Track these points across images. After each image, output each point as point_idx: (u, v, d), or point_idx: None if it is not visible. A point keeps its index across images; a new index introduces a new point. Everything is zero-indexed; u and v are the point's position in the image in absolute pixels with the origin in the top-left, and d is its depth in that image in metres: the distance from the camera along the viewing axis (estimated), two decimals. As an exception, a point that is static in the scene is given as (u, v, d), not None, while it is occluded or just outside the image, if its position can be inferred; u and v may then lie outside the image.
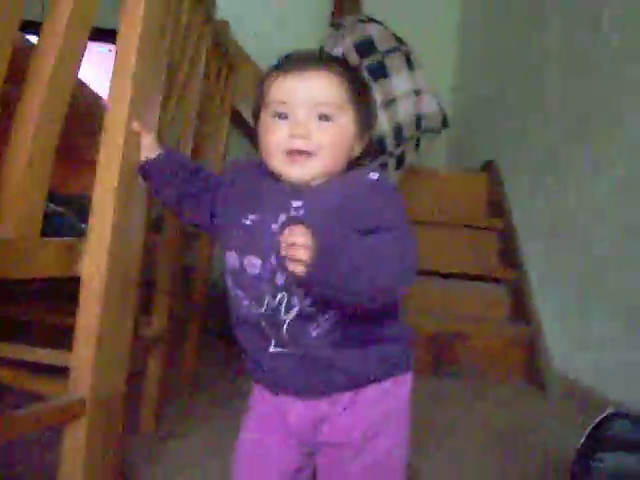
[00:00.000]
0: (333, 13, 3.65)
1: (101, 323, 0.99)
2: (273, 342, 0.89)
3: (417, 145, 2.84)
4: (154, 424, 1.67)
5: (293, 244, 0.72)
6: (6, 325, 1.66)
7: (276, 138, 0.87)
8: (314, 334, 0.86)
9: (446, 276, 3.00)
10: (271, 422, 0.94)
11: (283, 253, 0.73)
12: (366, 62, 2.60)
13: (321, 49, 1.03)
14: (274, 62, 0.93)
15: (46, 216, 0.93)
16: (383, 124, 2.57)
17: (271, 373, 0.91)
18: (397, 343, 0.93)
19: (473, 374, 2.68)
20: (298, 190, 0.88)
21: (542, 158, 2.88)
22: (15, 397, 1.78)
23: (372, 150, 0.96)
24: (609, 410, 1.36)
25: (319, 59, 0.91)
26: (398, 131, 2.62)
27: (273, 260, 0.85)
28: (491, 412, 2.19)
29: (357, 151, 0.93)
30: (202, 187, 0.99)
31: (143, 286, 1.31)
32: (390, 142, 2.61)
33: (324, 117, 0.87)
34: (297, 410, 0.92)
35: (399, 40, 2.72)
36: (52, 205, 1.01)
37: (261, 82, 0.93)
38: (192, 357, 2.14)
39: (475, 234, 3.22)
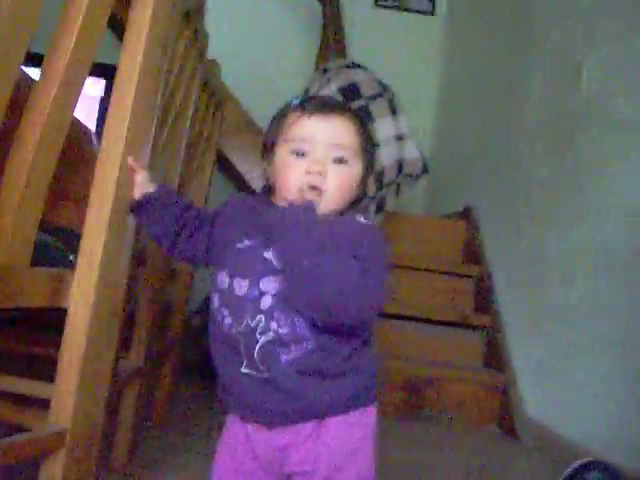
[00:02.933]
0: (318, 57, 3.72)
1: (85, 355, 0.99)
2: (245, 362, 0.92)
3: (397, 190, 2.88)
4: (128, 457, 1.66)
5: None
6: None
7: (294, 175, 0.92)
8: (283, 360, 0.90)
9: (422, 321, 3.02)
10: (241, 450, 0.96)
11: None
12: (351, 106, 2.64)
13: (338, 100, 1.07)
14: (294, 101, 0.98)
15: (36, 245, 0.94)
16: (365, 168, 2.61)
17: (239, 396, 0.94)
18: (364, 375, 0.94)
19: (447, 419, 2.69)
20: None
21: (519, 205, 2.93)
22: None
23: (364, 194, 0.99)
24: (581, 460, 1.38)
25: (342, 105, 0.97)
26: (380, 176, 2.66)
27: (261, 284, 0.91)
28: (463, 458, 2.20)
29: (355, 194, 0.97)
30: (195, 224, 1.02)
31: (124, 318, 1.32)
32: (371, 186, 2.64)
33: (340, 160, 0.93)
34: (263, 438, 0.94)
35: (383, 86, 2.78)
36: (42, 234, 1.02)
37: (280, 116, 0.98)
38: (167, 391, 2.12)
39: (452, 280, 3.25)
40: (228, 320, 0.93)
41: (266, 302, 0.90)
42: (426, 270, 3.23)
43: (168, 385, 2.13)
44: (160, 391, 2.12)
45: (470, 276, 3.26)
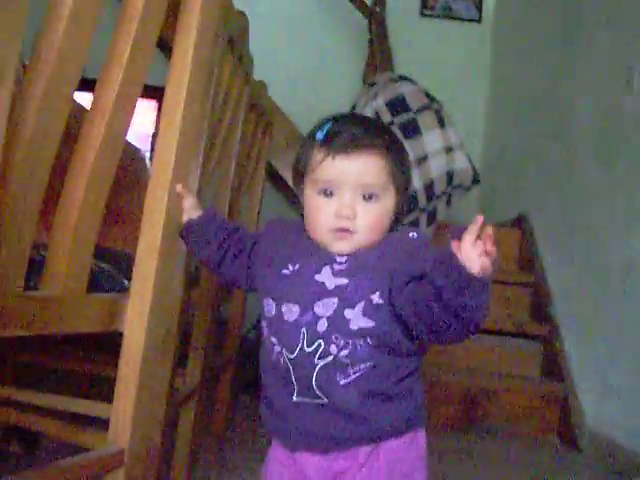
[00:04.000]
0: (365, 71, 3.74)
1: (141, 377, 1.02)
2: (296, 391, 0.91)
3: (448, 201, 2.87)
4: (186, 476, 1.69)
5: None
6: (47, 373, 1.70)
7: (323, 216, 0.92)
8: (342, 383, 0.89)
9: (488, 332, 2.99)
10: (287, 475, 0.96)
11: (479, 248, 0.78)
12: (398, 120, 2.65)
13: (367, 121, 1.05)
14: (319, 134, 0.95)
15: (91, 272, 0.97)
16: (415, 181, 2.62)
17: (291, 424, 0.93)
18: (417, 398, 0.95)
19: (505, 431, 2.65)
20: None
21: (574, 211, 2.89)
22: (53, 446, 1.83)
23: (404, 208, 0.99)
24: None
25: (364, 139, 0.92)
26: (430, 187, 2.66)
27: (315, 308, 0.90)
28: (523, 470, 2.17)
29: (391, 222, 0.96)
30: (239, 247, 1.04)
31: (180, 338, 1.35)
32: (422, 198, 2.64)
33: (369, 197, 0.92)
34: (316, 464, 0.93)
35: (431, 98, 2.78)
36: (96, 261, 1.05)
37: (305, 148, 0.97)
38: (225, 408, 2.16)
39: (507, 289, 3.22)
40: (277, 348, 0.93)
41: (322, 325, 0.89)
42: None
43: (225, 402, 2.16)
44: (217, 408, 2.15)
45: (526, 284, 3.21)
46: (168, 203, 1.04)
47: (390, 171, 0.93)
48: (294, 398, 0.91)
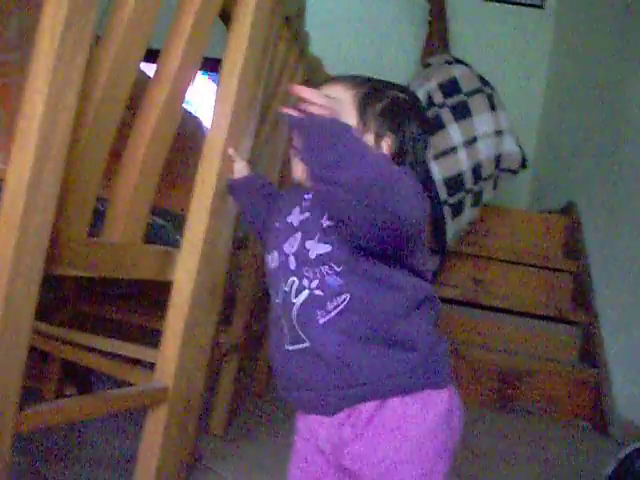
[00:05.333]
0: (423, 53, 3.78)
1: (187, 323, 1.13)
2: (288, 338, 0.90)
3: (495, 184, 2.91)
4: (224, 427, 1.80)
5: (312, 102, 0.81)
6: (103, 322, 1.84)
7: None
8: (321, 321, 0.86)
9: (519, 314, 3.04)
10: (310, 444, 0.95)
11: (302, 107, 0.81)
12: (450, 102, 2.70)
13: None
14: None
15: (149, 226, 1.08)
16: (463, 162, 2.67)
17: (291, 377, 0.91)
18: (421, 351, 0.87)
19: (537, 412, 2.71)
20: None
21: (622, 202, 2.90)
22: (104, 385, 1.97)
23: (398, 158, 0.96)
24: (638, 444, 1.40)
25: (341, 77, 0.99)
26: (477, 169, 2.71)
27: (285, 248, 0.92)
28: (552, 451, 2.23)
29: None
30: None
31: (226, 298, 1.45)
32: (468, 179, 2.69)
33: None
34: (326, 431, 0.90)
35: (483, 81, 2.82)
36: (154, 217, 1.16)
37: None
38: (264, 368, 2.27)
39: (550, 275, 3.25)
40: (275, 299, 0.94)
41: (292, 263, 0.90)
42: (525, 264, 3.24)
43: (267, 364, 2.27)
44: (258, 369, 2.27)
45: (569, 272, 3.24)
46: (220, 165, 1.14)
47: (358, 105, 0.94)
48: (287, 346, 0.90)
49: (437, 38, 3.64)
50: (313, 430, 0.92)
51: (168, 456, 1.15)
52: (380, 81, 1.00)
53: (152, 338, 1.54)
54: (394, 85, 1.00)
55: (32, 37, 0.96)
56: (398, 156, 0.94)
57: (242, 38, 1.16)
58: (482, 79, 2.81)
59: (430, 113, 2.67)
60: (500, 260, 3.21)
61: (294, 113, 0.82)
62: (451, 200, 2.67)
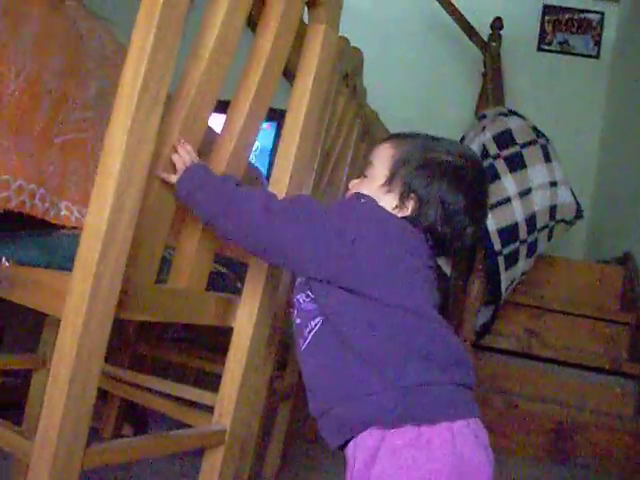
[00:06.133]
0: (478, 105, 3.82)
1: (246, 368, 1.16)
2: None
3: (550, 235, 2.91)
4: (276, 473, 1.82)
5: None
6: (161, 364, 1.89)
7: None
8: (303, 348, 0.93)
9: (574, 366, 3.00)
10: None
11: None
12: (504, 153, 2.73)
13: None
14: None
15: (211, 274, 1.13)
16: (517, 212, 2.68)
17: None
18: (393, 380, 0.84)
19: (593, 467, 2.65)
20: None
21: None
22: (158, 426, 2.01)
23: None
24: None
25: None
26: (531, 220, 2.72)
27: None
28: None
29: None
30: None
31: (280, 343, 1.49)
32: (523, 230, 2.70)
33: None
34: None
35: (538, 132, 2.84)
36: (216, 265, 1.21)
37: None
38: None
39: (607, 327, 3.20)
40: None
41: (294, 293, 0.98)
42: (580, 315, 3.20)
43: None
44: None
45: (626, 324, 3.19)
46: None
47: (390, 167, 1.00)
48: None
49: (492, 90, 3.68)
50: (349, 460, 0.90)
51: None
52: (427, 142, 1.02)
53: (207, 380, 1.59)
54: (444, 146, 1.01)
55: (109, 97, 1.03)
56: (418, 217, 0.96)
57: (304, 94, 1.22)
58: (536, 130, 2.83)
59: (485, 164, 2.69)
60: (555, 311, 3.18)
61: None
62: (505, 251, 2.67)
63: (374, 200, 0.98)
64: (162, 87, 0.88)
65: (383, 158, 1.02)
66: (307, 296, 0.93)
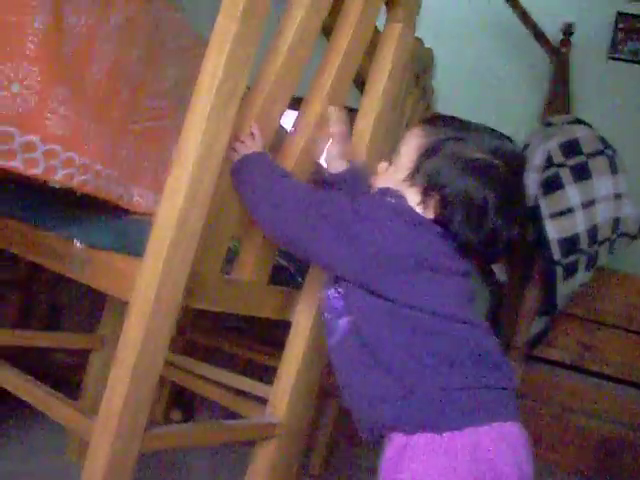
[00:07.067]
0: (544, 111, 3.75)
1: (303, 362, 1.17)
2: None
3: (612, 248, 2.85)
4: (321, 468, 1.83)
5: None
6: (212, 353, 1.91)
7: None
8: (331, 344, 0.92)
9: (625, 383, 2.94)
10: None
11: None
12: (570, 162, 2.68)
13: None
14: None
15: (273, 267, 1.14)
16: (579, 223, 2.63)
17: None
18: (411, 389, 0.82)
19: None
20: None
21: None
22: (206, 413, 2.03)
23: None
24: None
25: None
26: (593, 232, 2.66)
27: None
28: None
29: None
30: None
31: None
32: (584, 241, 2.65)
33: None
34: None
35: (605, 143, 2.77)
36: (279, 258, 1.21)
37: None
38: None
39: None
40: None
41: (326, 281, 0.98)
42: (632, 332, 3.13)
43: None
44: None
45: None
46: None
47: (416, 157, 0.94)
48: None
49: (560, 97, 3.61)
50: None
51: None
52: (458, 133, 0.94)
53: (255, 371, 1.59)
54: (476, 138, 0.93)
55: (184, 87, 1.05)
56: (443, 217, 0.90)
57: (377, 93, 1.22)
58: (604, 141, 2.76)
59: (550, 172, 2.65)
60: (611, 325, 3.11)
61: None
62: (564, 261, 2.62)
63: (402, 197, 0.92)
64: (240, 80, 0.89)
65: (410, 147, 0.95)
66: (336, 291, 0.92)
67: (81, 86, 0.86)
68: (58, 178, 0.84)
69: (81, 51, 0.85)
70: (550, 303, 2.75)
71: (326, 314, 0.94)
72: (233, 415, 1.22)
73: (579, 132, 2.75)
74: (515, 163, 0.93)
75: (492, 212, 0.88)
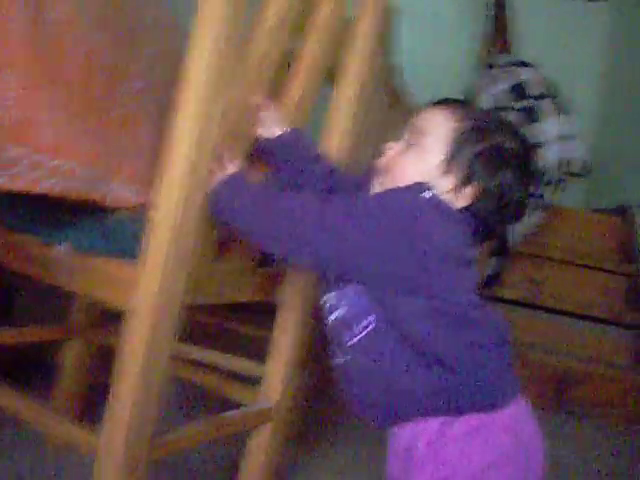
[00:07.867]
0: (482, 51, 3.69)
1: (294, 342, 1.15)
2: (335, 351, 0.91)
3: (560, 188, 2.89)
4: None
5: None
6: (205, 333, 1.84)
7: None
8: (349, 343, 0.86)
9: (572, 315, 3.03)
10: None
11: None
12: (517, 106, 2.68)
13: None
14: None
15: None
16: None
17: (343, 392, 0.92)
18: (454, 370, 0.82)
19: (592, 417, 2.70)
20: None
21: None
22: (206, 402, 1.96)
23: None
24: None
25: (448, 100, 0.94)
26: (541, 174, 2.69)
27: None
28: (607, 457, 2.22)
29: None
30: None
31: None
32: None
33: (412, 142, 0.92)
34: (391, 442, 0.90)
35: (550, 85, 2.79)
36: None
37: None
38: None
39: (605, 277, 3.22)
40: None
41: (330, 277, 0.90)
42: (579, 265, 3.22)
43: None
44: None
45: (624, 274, 3.21)
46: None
47: (453, 143, 0.88)
48: (334, 360, 0.91)
49: (499, 36, 3.56)
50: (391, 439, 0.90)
51: (271, 473, 1.17)
52: (489, 119, 0.91)
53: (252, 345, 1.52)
54: (505, 127, 0.91)
55: (159, 65, 0.99)
56: (477, 205, 0.87)
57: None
58: (549, 83, 2.78)
59: (495, 116, 2.65)
60: (559, 260, 3.19)
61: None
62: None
63: (433, 190, 0.86)
64: (227, 69, 0.84)
65: (441, 128, 0.89)
66: (358, 288, 0.85)
67: (58, 85, 0.80)
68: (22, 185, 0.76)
69: (57, 45, 0.79)
70: (500, 244, 2.80)
71: (342, 311, 0.87)
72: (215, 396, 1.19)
73: (524, 74, 2.76)
74: (532, 149, 0.94)
75: (519, 203, 0.89)
